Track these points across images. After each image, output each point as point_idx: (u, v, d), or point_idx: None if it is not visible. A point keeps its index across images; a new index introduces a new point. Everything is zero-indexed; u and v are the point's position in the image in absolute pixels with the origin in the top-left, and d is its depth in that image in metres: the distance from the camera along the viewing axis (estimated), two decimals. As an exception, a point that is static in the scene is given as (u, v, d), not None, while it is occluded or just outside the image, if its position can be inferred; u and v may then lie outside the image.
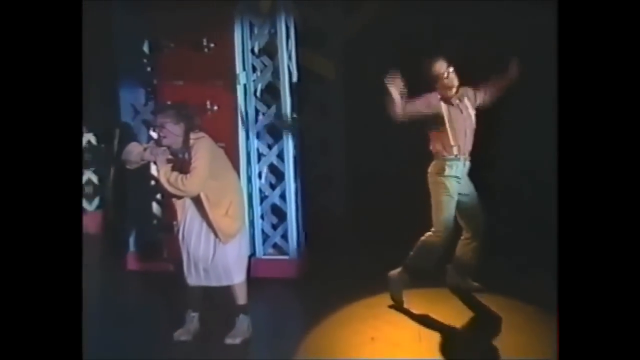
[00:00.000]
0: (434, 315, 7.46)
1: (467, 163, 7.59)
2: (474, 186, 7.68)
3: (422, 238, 7.61)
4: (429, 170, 7.60)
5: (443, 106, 7.52)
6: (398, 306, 7.63)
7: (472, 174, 7.80)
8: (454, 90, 7.55)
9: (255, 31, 8.42)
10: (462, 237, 7.74)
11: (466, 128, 7.56)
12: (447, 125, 7.52)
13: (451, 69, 7.52)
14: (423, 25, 9.30)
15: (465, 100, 7.62)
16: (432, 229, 7.58)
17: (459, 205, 7.60)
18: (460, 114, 7.57)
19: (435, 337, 7.09)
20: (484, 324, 7.36)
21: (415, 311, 7.55)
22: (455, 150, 7.53)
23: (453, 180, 7.55)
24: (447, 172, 7.53)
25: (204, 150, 6.84)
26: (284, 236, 8.56)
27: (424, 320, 7.38)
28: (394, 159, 9.43)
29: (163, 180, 6.84)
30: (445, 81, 7.50)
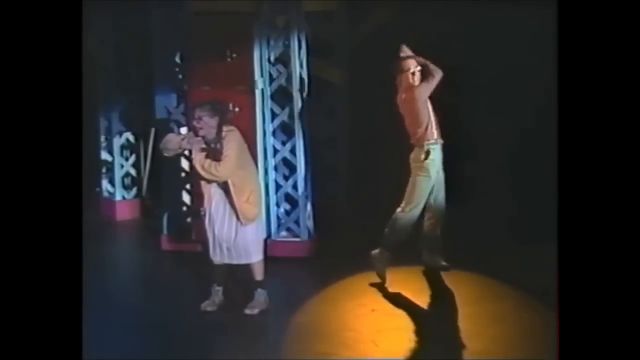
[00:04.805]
0: (409, 293, 7.45)
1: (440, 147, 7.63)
2: (442, 170, 7.66)
3: (394, 216, 7.62)
4: (412, 157, 7.61)
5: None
6: (380, 283, 7.61)
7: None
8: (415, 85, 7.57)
9: (272, 43, 8.42)
10: (425, 218, 7.74)
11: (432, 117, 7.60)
12: (431, 113, 7.56)
13: (418, 68, 7.54)
14: (421, 34, 9.28)
15: None
16: (402, 206, 7.59)
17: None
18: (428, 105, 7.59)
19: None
20: (446, 302, 7.34)
21: (393, 289, 7.56)
22: (435, 135, 7.58)
23: (431, 163, 7.56)
24: (429, 156, 7.55)
25: (234, 142, 6.93)
26: (296, 221, 8.55)
27: (398, 298, 7.38)
28: (392, 153, 9.43)
29: (198, 167, 6.91)
30: (410, 76, 7.53)
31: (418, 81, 7.59)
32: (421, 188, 7.60)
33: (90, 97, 7.98)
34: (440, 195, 7.73)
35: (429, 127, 7.58)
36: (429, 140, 7.59)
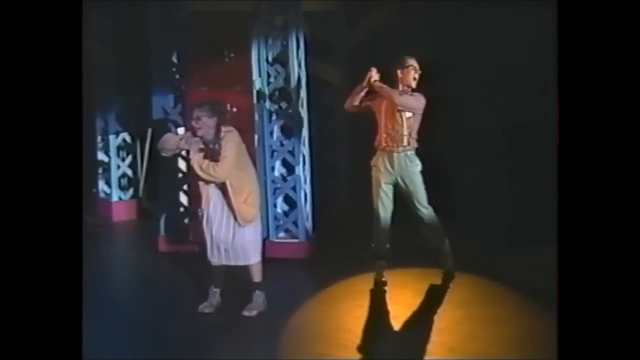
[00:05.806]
0: (409, 293, 7.50)
1: (397, 154, 7.56)
2: (416, 178, 7.56)
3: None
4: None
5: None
6: (381, 288, 7.64)
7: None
8: (407, 89, 7.51)
9: (270, 43, 8.43)
10: (422, 233, 7.65)
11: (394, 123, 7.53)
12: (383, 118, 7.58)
13: (418, 72, 7.49)
14: (419, 34, 9.30)
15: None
16: None
17: (398, 192, 7.61)
18: (393, 110, 7.53)
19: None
20: (445, 303, 7.36)
21: (392, 290, 7.60)
22: (383, 143, 7.60)
23: (375, 170, 7.62)
24: (373, 162, 7.66)
25: (233, 142, 6.92)
26: (295, 222, 8.56)
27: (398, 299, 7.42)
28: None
29: (196, 167, 6.92)
30: (410, 75, 7.45)
31: (414, 85, 7.51)
32: (374, 193, 7.66)
33: (86, 97, 7.97)
34: (421, 204, 7.59)
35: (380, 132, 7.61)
36: (379, 144, 7.63)
